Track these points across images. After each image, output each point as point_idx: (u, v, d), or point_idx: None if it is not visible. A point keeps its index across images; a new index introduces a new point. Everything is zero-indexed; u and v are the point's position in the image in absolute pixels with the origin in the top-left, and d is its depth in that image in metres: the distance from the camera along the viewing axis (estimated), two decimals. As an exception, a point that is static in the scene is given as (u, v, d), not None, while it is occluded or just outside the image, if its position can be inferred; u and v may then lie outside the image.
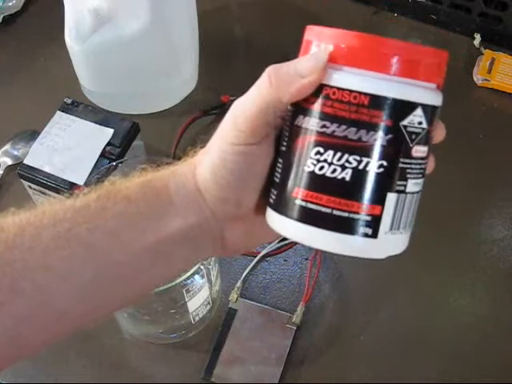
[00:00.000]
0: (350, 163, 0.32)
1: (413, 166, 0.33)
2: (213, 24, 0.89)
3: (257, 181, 0.35)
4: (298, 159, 0.33)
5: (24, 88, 0.85)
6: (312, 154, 0.33)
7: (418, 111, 0.32)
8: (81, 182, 0.65)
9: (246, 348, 0.63)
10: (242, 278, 0.67)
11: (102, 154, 0.67)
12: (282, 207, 0.34)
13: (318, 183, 0.33)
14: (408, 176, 0.33)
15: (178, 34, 0.78)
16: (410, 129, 0.32)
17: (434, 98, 0.33)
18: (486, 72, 0.84)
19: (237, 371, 0.62)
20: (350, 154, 0.32)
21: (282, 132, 0.35)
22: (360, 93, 0.31)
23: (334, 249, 0.33)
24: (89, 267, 0.35)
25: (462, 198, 0.74)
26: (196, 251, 0.38)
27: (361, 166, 0.32)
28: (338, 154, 0.32)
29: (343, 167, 0.32)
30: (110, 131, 0.69)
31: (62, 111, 0.70)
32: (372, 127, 0.32)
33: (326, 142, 0.32)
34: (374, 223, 0.33)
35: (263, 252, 0.69)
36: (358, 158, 0.32)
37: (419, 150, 0.33)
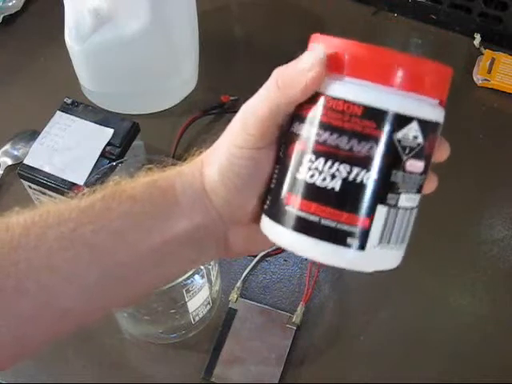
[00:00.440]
0: (340, 173, 0.32)
1: (406, 180, 0.32)
2: (213, 24, 0.89)
3: (262, 186, 0.36)
4: (291, 166, 0.33)
5: (24, 88, 0.85)
6: (304, 160, 0.32)
7: (413, 125, 0.31)
8: (81, 182, 0.66)
9: (246, 348, 0.63)
10: (242, 278, 0.67)
11: (102, 154, 0.67)
12: (273, 213, 0.34)
13: (307, 191, 0.32)
14: (400, 190, 0.32)
15: (178, 34, 0.78)
16: (403, 142, 0.31)
17: (433, 113, 0.32)
18: (486, 72, 0.84)
19: (237, 371, 0.62)
20: (341, 163, 0.32)
21: (280, 139, 0.35)
22: (354, 103, 0.31)
23: (321, 258, 0.33)
24: (93, 268, 0.35)
25: (462, 197, 0.74)
26: (200, 252, 0.38)
27: (351, 177, 0.32)
28: (329, 163, 0.32)
29: (333, 176, 0.32)
30: (110, 131, 0.69)
31: (62, 111, 0.70)
32: (364, 138, 0.31)
33: (318, 149, 0.32)
34: (362, 235, 0.32)
35: (263, 252, 0.69)
36: (348, 167, 0.31)
37: (414, 165, 0.32)
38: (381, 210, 0.32)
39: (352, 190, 0.32)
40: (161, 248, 0.36)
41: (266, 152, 0.34)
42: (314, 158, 0.32)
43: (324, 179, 0.32)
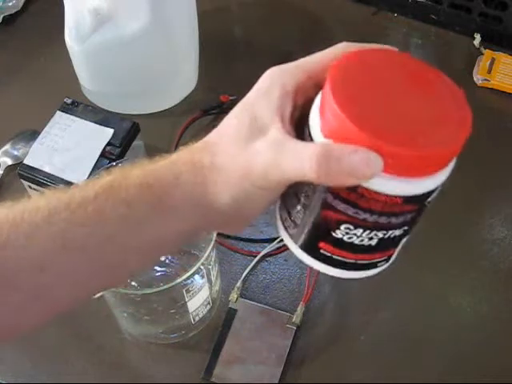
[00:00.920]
0: (378, 236, 0.34)
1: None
2: (213, 24, 0.89)
3: (268, 203, 0.37)
4: (326, 225, 0.34)
5: (24, 88, 0.85)
6: (341, 227, 0.34)
7: (439, 188, 0.34)
8: (81, 182, 0.66)
9: (245, 348, 0.63)
10: (242, 278, 0.67)
11: (102, 154, 0.67)
12: (305, 247, 0.37)
13: (345, 246, 0.35)
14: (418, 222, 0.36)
15: (178, 34, 0.78)
16: (430, 201, 0.34)
17: (452, 168, 0.34)
18: (486, 72, 0.84)
19: (237, 371, 0.62)
20: (378, 230, 0.34)
21: (301, 183, 0.34)
22: (395, 196, 0.32)
23: (351, 277, 0.37)
24: (83, 268, 0.35)
25: (462, 197, 0.74)
26: (191, 240, 0.39)
27: (386, 236, 0.34)
28: (367, 231, 0.34)
29: (371, 238, 0.34)
30: (110, 131, 0.69)
31: (62, 111, 0.71)
32: (402, 214, 0.33)
33: (357, 223, 0.33)
34: (389, 258, 0.38)
35: (263, 252, 0.69)
36: (385, 231, 0.34)
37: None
38: (403, 240, 0.37)
39: (387, 242, 0.35)
40: (152, 246, 0.36)
41: (281, 190, 0.35)
42: (352, 227, 0.34)
43: (362, 240, 0.34)
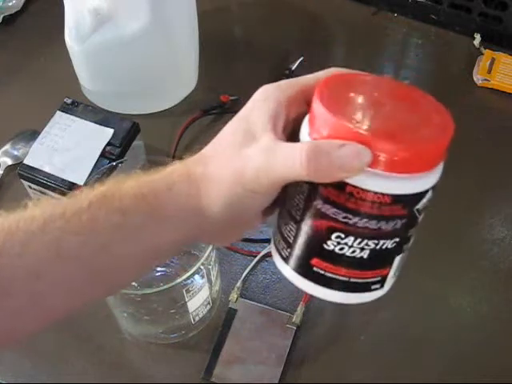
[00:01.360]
0: (369, 246, 0.34)
1: (416, 230, 0.35)
2: (213, 24, 0.89)
3: (260, 210, 0.37)
4: (317, 237, 0.35)
5: (24, 88, 0.85)
6: (332, 237, 0.34)
7: (429, 193, 0.34)
8: (81, 182, 0.66)
9: (246, 348, 0.63)
10: (242, 278, 0.67)
11: (102, 154, 0.67)
12: (296, 266, 0.37)
13: (337, 259, 0.35)
14: (411, 238, 0.36)
15: (178, 34, 0.78)
16: (420, 209, 0.34)
17: (441, 172, 0.35)
18: (486, 72, 0.84)
19: (237, 371, 0.62)
20: (369, 239, 0.34)
21: (292, 196, 0.35)
22: (383, 194, 0.32)
23: (346, 301, 0.37)
24: (78, 276, 0.35)
25: (462, 198, 0.74)
26: (181, 252, 0.39)
27: (378, 247, 0.34)
28: (358, 240, 0.34)
29: (362, 249, 0.34)
30: (110, 131, 0.69)
31: (62, 111, 0.71)
32: (391, 218, 0.33)
33: (348, 230, 0.34)
34: (383, 280, 0.37)
35: (263, 252, 0.69)
36: (376, 241, 0.34)
37: (422, 217, 0.35)
38: (397, 258, 0.36)
39: (379, 255, 0.35)
40: (147, 255, 0.37)
41: (272, 194, 0.36)
42: (343, 235, 0.34)
43: (353, 251, 0.34)
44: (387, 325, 0.66)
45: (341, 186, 0.32)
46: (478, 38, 0.87)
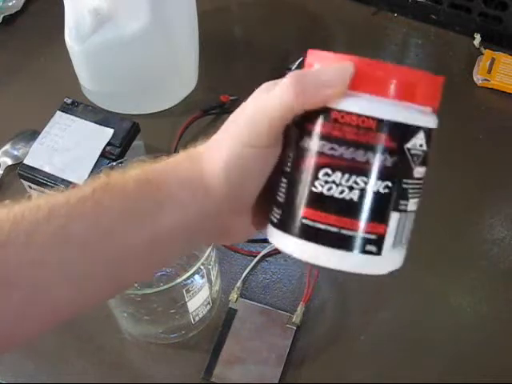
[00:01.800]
0: (358, 184, 0.33)
1: (414, 186, 0.34)
2: (213, 24, 0.89)
3: (262, 181, 0.36)
4: (305, 180, 0.34)
5: (24, 88, 0.85)
6: (320, 175, 0.33)
7: (421, 134, 0.33)
8: (81, 182, 0.65)
9: (246, 348, 0.63)
10: (242, 278, 0.67)
11: (102, 154, 0.68)
12: (287, 226, 0.35)
13: (326, 204, 0.34)
14: (410, 196, 0.34)
15: (178, 34, 0.78)
16: (413, 151, 0.33)
17: (433, 122, 0.34)
18: (486, 72, 0.84)
19: (237, 371, 0.62)
20: (358, 175, 0.33)
21: (285, 152, 0.35)
22: (368, 117, 0.32)
23: (339, 266, 0.34)
24: (84, 263, 0.35)
25: (462, 197, 0.74)
26: (192, 243, 0.39)
27: (368, 187, 0.33)
28: (346, 176, 0.33)
29: (351, 188, 0.33)
30: (110, 131, 0.69)
31: (62, 111, 0.71)
32: (379, 150, 0.33)
33: (335, 163, 0.33)
34: (379, 241, 0.34)
35: (263, 252, 0.69)
36: (365, 179, 0.33)
37: (419, 171, 0.34)
38: (394, 216, 0.34)
39: (369, 199, 0.33)
40: (152, 243, 0.36)
41: (272, 151, 0.35)
42: (330, 171, 0.33)
43: (342, 191, 0.33)
44: (387, 325, 0.66)
45: (325, 114, 0.33)
46: (478, 38, 0.87)
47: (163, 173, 0.36)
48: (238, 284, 0.67)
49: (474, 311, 0.67)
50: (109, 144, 0.68)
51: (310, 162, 0.34)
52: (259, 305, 0.66)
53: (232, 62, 0.88)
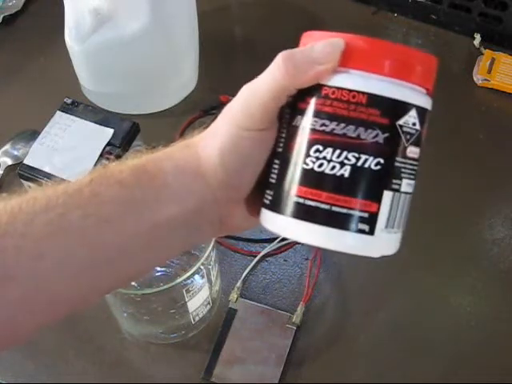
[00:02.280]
0: (349, 160, 0.33)
1: (407, 166, 0.34)
2: (213, 24, 0.89)
3: (259, 166, 0.36)
4: (296, 158, 0.34)
5: (24, 88, 0.85)
6: (311, 151, 0.33)
7: (413, 112, 0.33)
8: (81, 181, 0.65)
9: (246, 348, 0.63)
10: (242, 278, 0.67)
11: (102, 154, 0.67)
12: (278, 206, 0.35)
13: (316, 180, 0.33)
14: (403, 175, 0.34)
15: (178, 34, 0.78)
16: (405, 129, 0.33)
17: (426, 102, 0.34)
18: (486, 72, 0.84)
19: (237, 371, 0.62)
20: (349, 151, 0.33)
21: (278, 133, 0.35)
22: (358, 92, 0.32)
23: (330, 245, 0.34)
24: (82, 253, 0.34)
25: (462, 197, 0.74)
26: (192, 235, 0.38)
27: (359, 163, 0.33)
28: (337, 151, 0.33)
29: (342, 164, 0.33)
30: (110, 131, 0.69)
31: (62, 111, 0.70)
32: (370, 125, 0.33)
33: (326, 139, 0.33)
34: (371, 220, 0.33)
35: (263, 252, 0.69)
36: (356, 155, 0.33)
37: (413, 151, 0.34)
38: (387, 195, 0.33)
39: (360, 176, 0.33)
40: (150, 233, 0.36)
41: (267, 134, 0.35)
42: (321, 148, 0.33)
43: (333, 167, 0.33)
44: (387, 325, 0.66)
45: (316, 90, 0.33)
46: (478, 38, 0.87)
47: (160, 161, 0.36)
48: (238, 284, 0.67)
49: (474, 311, 0.67)
50: (109, 144, 0.68)
51: (302, 139, 0.34)
52: (259, 305, 0.66)
53: (232, 62, 0.88)
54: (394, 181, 0.33)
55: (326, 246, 0.34)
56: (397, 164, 0.33)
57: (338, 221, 0.33)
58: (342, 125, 0.33)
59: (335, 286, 0.68)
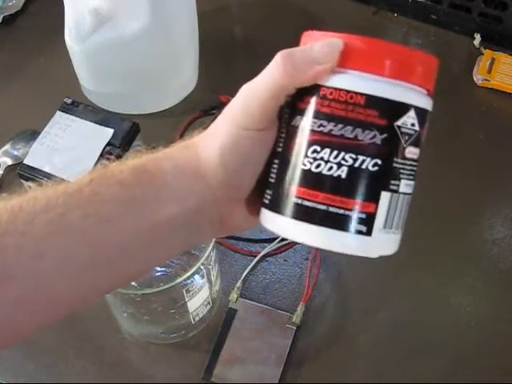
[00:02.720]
0: (346, 161, 0.33)
1: (406, 167, 0.34)
2: (213, 24, 0.89)
3: (259, 166, 0.36)
4: (295, 158, 0.34)
5: (24, 88, 0.85)
6: (309, 152, 0.33)
7: (411, 113, 0.33)
8: (81, 181, 0.65)
9: (246, 348, 0.63)
10: (242, 278, 0.67)
11: (102, 154, 0.67)
12: (277, 206, 0.35)
13: (314, 181, 0.33)
14: (401, 176, 0.34)
15: (178, 34, 0.78)
16: (403, 129, 0.33)
17: (426, 102, 0.34)
18: (486, 72, 0.84)
19: (237, 371, 0.62)
20: (347, 152, 0.33)
21: (278, 133, 0.35)
22: (356, 93, 0.32)
23: (328, 246, 0.34)
24: (82, 253, 0.34)
25: (462, 197, 0.74)
26: (192, 235, 0.38)
27: (356, 164, 0.33)
28: (335, 152, 0.33)
29: (339, 165, 0.33)
30: (110, 131, 0.69)
31: (62, 111, 0.70)
32: (367, 126, 0.32)
33: (323, 140, 0.33)
34: (369, 221, 0.33)
35: (263, 252, 0.69)
36: (353, 155, 0.33)
37: (412, 152, 0.34)
38: (385, 196, 0.33)
39: (358, 177, 0.33)
40: (151, 232, 0.36)
41: (267, 133, 0.35)
42: (319, 148, 0.33)
43: (330, 168, 0.33)
44: (387, 325, 0.66)
45: (315, 91, 0.33)
46: (478, 38, 0.87)
47: (160, 161, 0.36)
48: (238, 284, 0.67)
49: (474, 311, 0.67)
50: (109, 144, 0.68)
51: (300, 139, 0.34)
52: (259, 305, 0.66)
53: (232, 62, 0.88)
54: (392, 181, 0.33)
55: (324, 247, 0.34)
56: (395, 165, 0.33)
57: (336, 221, 0.33)
58: (340, 125, 0.33)
59: (335, 285, 0.68)
